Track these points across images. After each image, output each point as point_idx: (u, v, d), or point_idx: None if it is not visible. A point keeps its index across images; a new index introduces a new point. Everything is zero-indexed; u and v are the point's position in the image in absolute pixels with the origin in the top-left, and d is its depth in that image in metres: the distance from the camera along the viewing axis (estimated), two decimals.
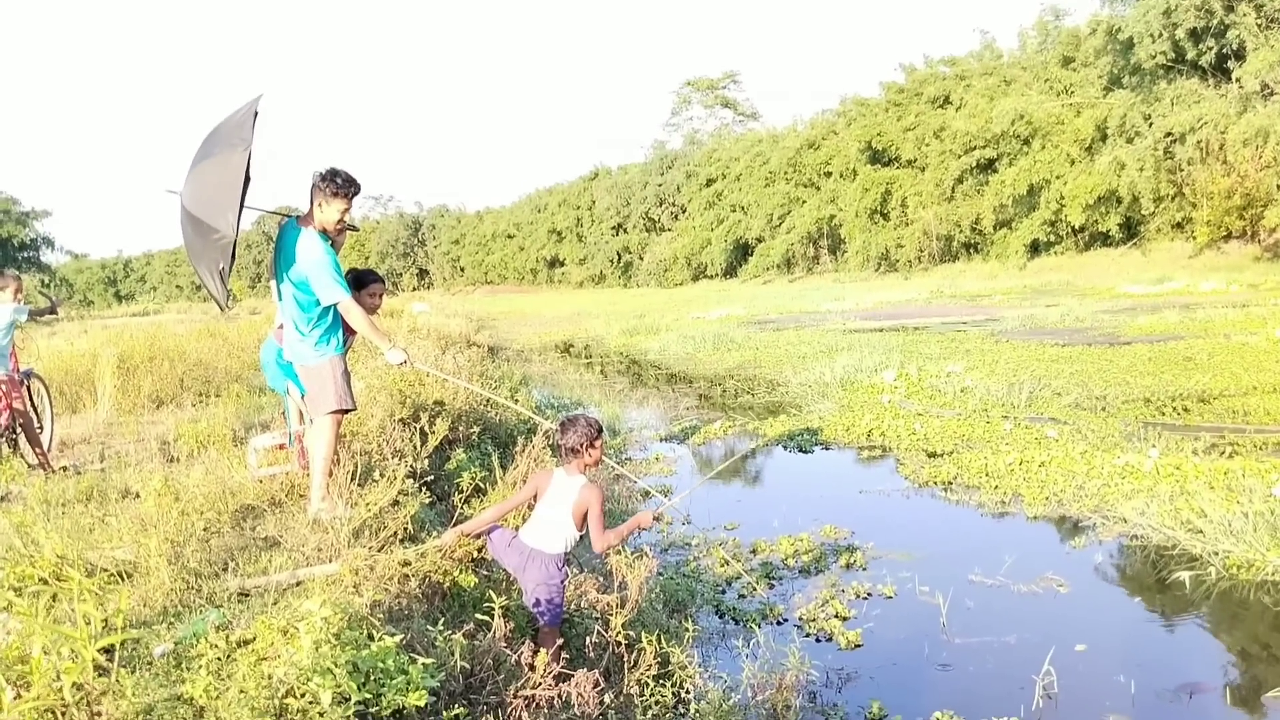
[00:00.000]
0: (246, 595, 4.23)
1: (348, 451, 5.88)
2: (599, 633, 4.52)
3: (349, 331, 5.51)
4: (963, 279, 42.32)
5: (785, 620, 5.87)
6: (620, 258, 75.25)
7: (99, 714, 2.54)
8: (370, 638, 3.22)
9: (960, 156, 45.62)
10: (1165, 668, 5.02)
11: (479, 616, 4.09)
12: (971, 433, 10.43)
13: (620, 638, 4.41)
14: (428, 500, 5.67)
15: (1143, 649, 5.32)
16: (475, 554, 4.79)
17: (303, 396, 5.56)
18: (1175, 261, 35.19)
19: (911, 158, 49.89)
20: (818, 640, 5.55)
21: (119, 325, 21.61)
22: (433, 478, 6.40)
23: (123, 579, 4.29)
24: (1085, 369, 13.59)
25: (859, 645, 5.44)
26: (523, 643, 4.02)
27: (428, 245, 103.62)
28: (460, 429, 8.40)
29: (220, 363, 13.51)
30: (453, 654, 3.56)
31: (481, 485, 6.04)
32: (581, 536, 4.58)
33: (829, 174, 56.29)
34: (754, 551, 7.18)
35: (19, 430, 7.54)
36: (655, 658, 4.21)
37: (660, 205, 72.53)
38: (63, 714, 2.42)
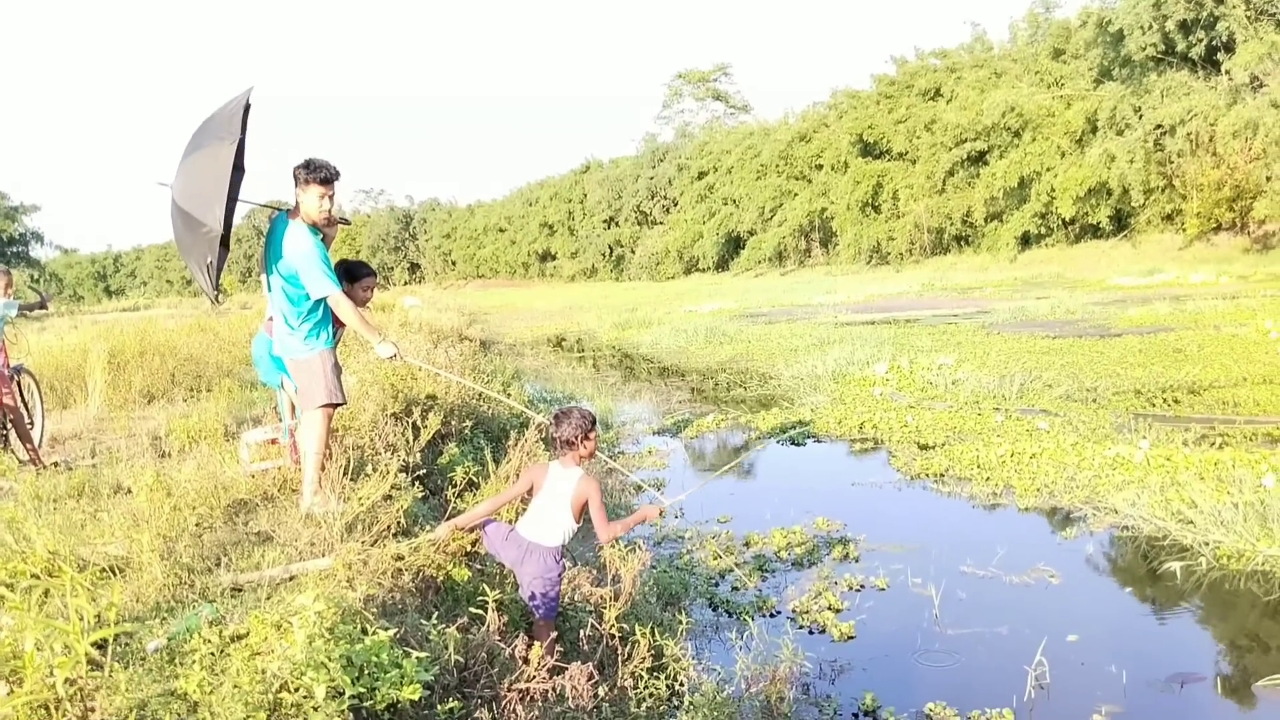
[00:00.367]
0: (239, 590, 4.22)
1: (340, 446, 5.87)
2: (593, 626, 4.53)
3: (338, 324, 5.49)
4: (954, 271, 42.40)
5: (778, 613, 5.88)
6: (612, 251, 75.16)
7: (92, 709, 2.54)
8: (364, 632, 3.22)
9: (951, 149, 45.68)
10: (1156, 658, 5.05)
11: (473, 610, 4.09)
12: (963, 425, 10.46)
13: (614, 630, 4.42)
14: (421, 494, 5.67)
15: (1134, 639, 5.34)
16: (469, 548, 4.79)
17: (295, 391, 5.55)
18: (1165, 253, 35.31)
19: (903, 150, 49.95)
20: (811, 632, 5.57)
21: (109, 320, 21.50)
22: (425, 472, 6.40)
23: (115, 574, 4.28)
24: (1076, 361, 13.63)
25: (852, 637, 5.46)
26: (517, 636, 4.02)
27: (419, 239, 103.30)
28: (453, 423, 8.38)
29: (211, 357, 13.45)
30: (446, 648, 3.56)
31: (474, 479, 6.03)
32: (578, 529, 4.58)
33: (820, 167, 56.28)
34: (747, 544, 7.19)
35: (9, 426, 7.50)
36: (649, 650, 4.22)
37: (652, 198, 72.45)
38: (56, 708, 2.42)
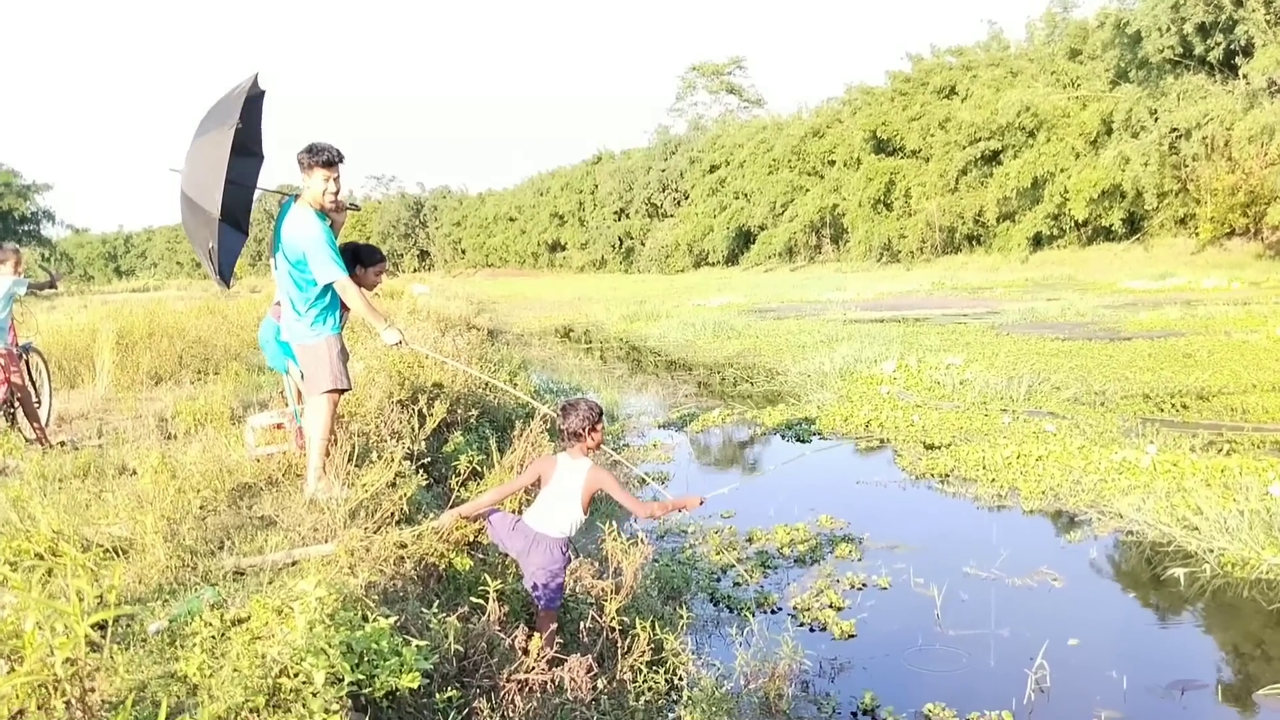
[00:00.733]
0: (242, 574, 4.23)
1: (345, 432, 5.88)
2: (593, 618, 4.53)
3: (345, 309, 5.49)
4: (964, 271, 42.28)
5: (780, 609, 5.88)
6: (622, 243, 75.14)
7: (92, 689, 2.54)
8: (364, 619, 3.22)
9: (965, 148, 45.52)
10: (1158, 663, 5.03)
11: (474, 599, 4.09)
12: (970, 425, 10.43)
13: (614, 623, 4.42)
14: (425, 482, 5.66)
15: (1136, 644, 5.33)
16: (472, 537, 4.80)
17: (300, 376, 5.56)
18: (1178, 257, 35.14)
19: (916, 148, 49.77)
20: (812, 630, 5.56)
21: (119, 301, 21.58)
22: (430, 460, 6.40)
23: (119, 555, 4.29)
24: (1085, 364, 13.58)
25: (853, 635, 5.45)
26: (517, 626, 4.02)
27: (429, 226, 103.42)
28: (459, 412, 8.39)
29: (220, 340, 13.49)
30: (446, 636, 3.57)
31: (479, 468, 6.04)
32: (585, 521, 4.59)
33: (833, 163, 56.14)
34: (750, 540, 7.19)
35: (17, 404, 7.53)
36: (649, 644, 4.22)
37: (663, 191, 72.37)
38: (55, 689, 2.42)
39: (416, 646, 3.13)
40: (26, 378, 7.76)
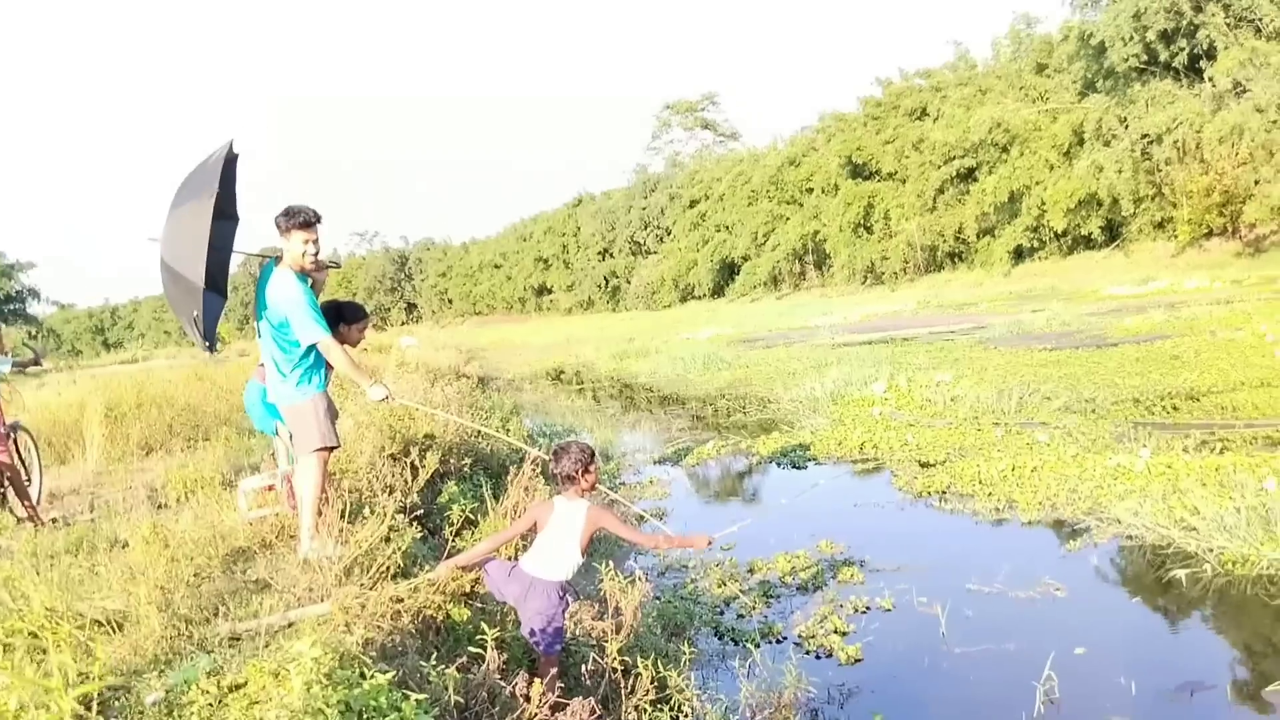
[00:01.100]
0: (238, 639, 4.19)
1: (337, 489, 5.85)
2: (595, 659, 4.49)
3: (330, 366, 5.50)
4: (948, 288, 42.48)
5: (784, 638, 5.84)
6: (608, 282, 75.36)
7: None
8: (362, 676, 3.19)
9: (940, 167, 45.91)
10: (1165, 667, 5.01)
11: (472, 649, 4.06)
12: (963, 441, 10.44)
13: (617, 664, 4.38)
14: (419, 534, 5.63)
15: (1142, 649, 5.31)
16: (469, 587, 4.77)
17: (289, 437, 5.54)
18: (1158, 261, 35.39)
19: (892, 170, 50.18)
20: (817, 657, 5.53)
21: (107, 374, 21.49)
22: (424, 511, 6.37)
23: (114, 628, 4.25)
24: (1074, 372, 13.63)
25: (859, 660, 5.41)
26: (517, 674, 3.99)
27: (415, 279, 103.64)
28: (452, 461, 8.36)
29: (209, 406, 13.44)
30: (446, 688, 3.54)
31: (472, 517, 6.01)
32: (583, 564, 4.57)
33: (811, 190, 56.56)
34: (751, 570, 7.15)
35: (7, 483, 7.48)
36: (652, 682, 4.18)
37: (645, 229, 72.74)
38: None
39: (416, 700, 3.10)
40: (16, 457, 7.72)
